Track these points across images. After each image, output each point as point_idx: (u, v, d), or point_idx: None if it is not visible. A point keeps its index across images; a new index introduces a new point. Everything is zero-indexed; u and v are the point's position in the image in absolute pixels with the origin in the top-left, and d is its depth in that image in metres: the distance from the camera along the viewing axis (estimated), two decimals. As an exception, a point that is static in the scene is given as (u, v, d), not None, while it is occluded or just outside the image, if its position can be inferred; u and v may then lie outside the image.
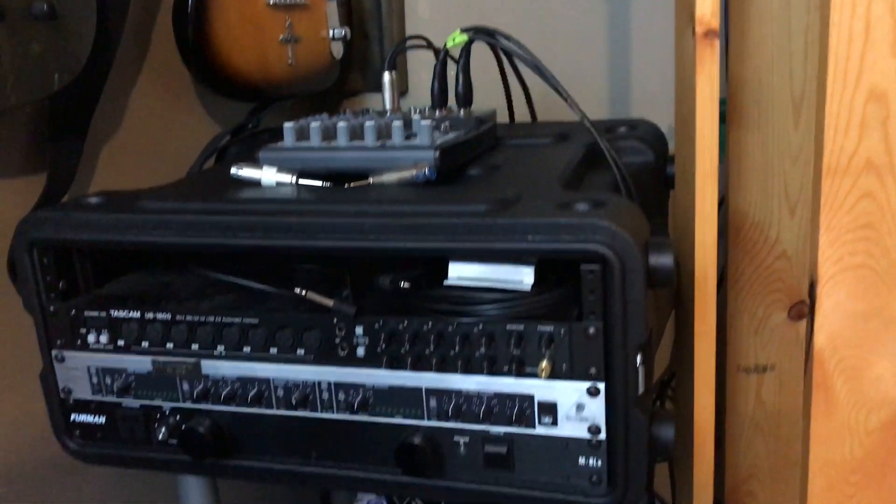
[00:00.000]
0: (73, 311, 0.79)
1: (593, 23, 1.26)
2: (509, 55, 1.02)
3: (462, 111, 0.94)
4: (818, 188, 0.69)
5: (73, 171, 0.97)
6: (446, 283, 0.70)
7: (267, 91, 1.16)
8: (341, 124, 0.83)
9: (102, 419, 0.82)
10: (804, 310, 1.03)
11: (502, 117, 1.12)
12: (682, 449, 1.04)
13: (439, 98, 0.95)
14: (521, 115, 1.15)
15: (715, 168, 0.81)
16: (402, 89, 1.38)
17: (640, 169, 0.96)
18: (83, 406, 0.82)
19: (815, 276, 0.71)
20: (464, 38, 0.94)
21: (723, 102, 0.96)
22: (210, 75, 1.09)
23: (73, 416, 0.82)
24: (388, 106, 0.96)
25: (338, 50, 1.26)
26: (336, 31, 1.24)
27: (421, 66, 1.39)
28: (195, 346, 0.77)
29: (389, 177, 0.79)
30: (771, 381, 1.06)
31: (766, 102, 0.98)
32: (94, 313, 0.79)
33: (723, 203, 1.02)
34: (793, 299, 1.03)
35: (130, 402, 0.80)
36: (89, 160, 1.02)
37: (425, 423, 0.72)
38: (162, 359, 0.78)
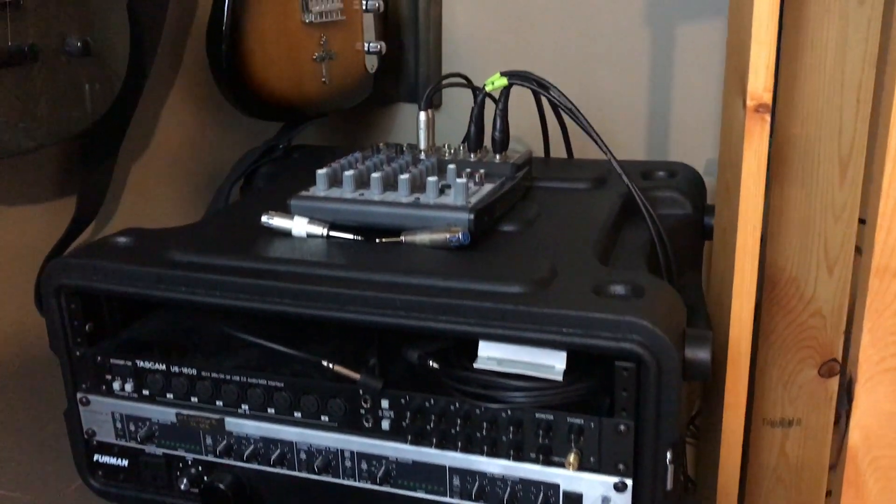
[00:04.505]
0: (99, 358, 0.79)
1: (635, 55, 1.22)
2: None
3: (498, 156, 0.92)
4: (864, 288, 0.67)
5: (103, 195, 0.96)
6: (475, 365, 0.69)
7: (300, 109, 1.14)
8: (375, 175, 0.81)
9: (125, 462, 0.82)
10: (835, 368, 1.01)
11: (538, 150, 1.10)
12: (705, 498, 1.03)
13: (475, 141, 0.93)
14: (557, 149, 1.12)
15: (756, 246, 0.78)
16: (437, 103, 1.35)
17: (678, 222, 0.94)
18: (107, 448, 0.82)
19: (854, 374, 0.69)
20: (503, 81, 0.91)
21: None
22: (243, 96, 1.06)
23: (96, 457, 0.83)
24: (422, 145, 0.94)
25: (372, 63, 1.23)
26: (372, 45, 1.21)
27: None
28: (219, 403, 0.76)
29: (422, 238, 0.77)
30: (796, 436, 1.05)
31: (813, 157, 0.95)
32: (120, 361, 0.78)
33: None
34: (824, 357, 1.00)
35: (153, 449, 0.80)
36: (120, 180, 1.02)
37: (447, 500, 0.72)
38: (186, 412, 0.78)
